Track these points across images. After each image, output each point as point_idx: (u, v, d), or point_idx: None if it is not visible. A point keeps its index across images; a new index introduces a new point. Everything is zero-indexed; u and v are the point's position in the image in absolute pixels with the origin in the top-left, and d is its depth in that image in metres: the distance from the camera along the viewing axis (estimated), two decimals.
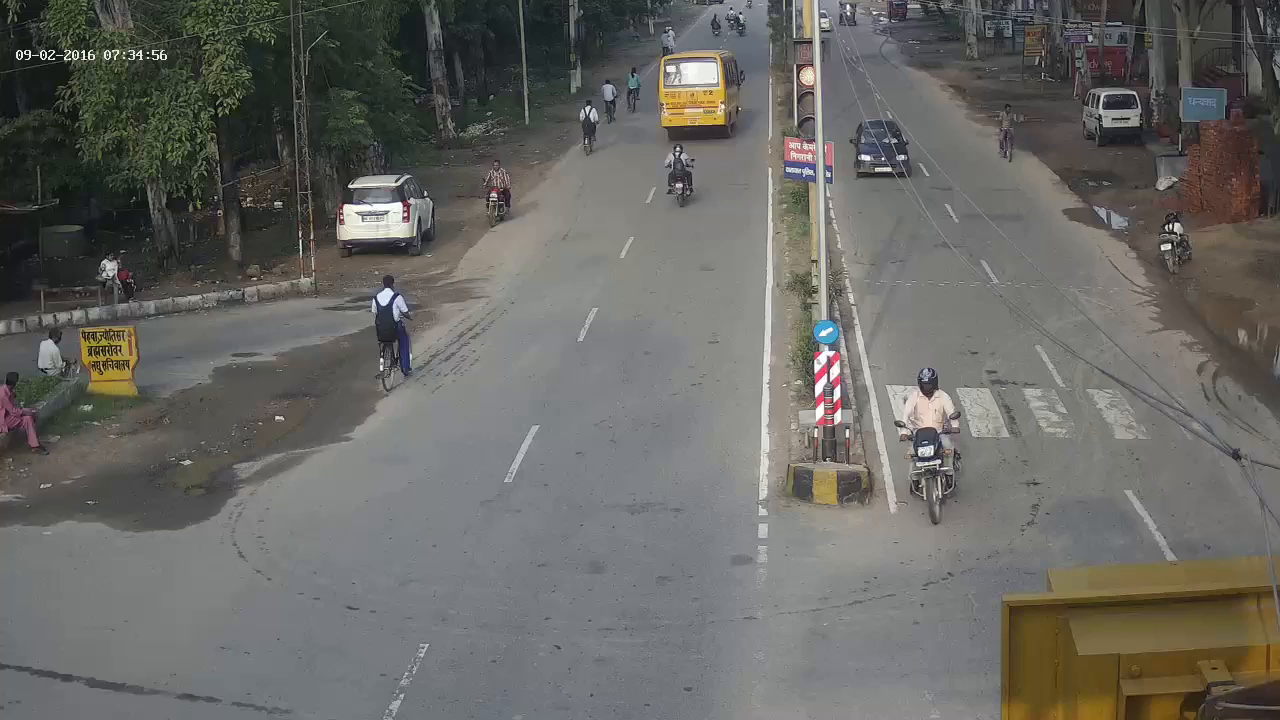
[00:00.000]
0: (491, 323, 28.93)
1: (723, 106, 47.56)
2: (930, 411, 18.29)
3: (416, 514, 19.03)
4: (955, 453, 18.45)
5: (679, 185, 38.75)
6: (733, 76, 49.95)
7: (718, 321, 27.94)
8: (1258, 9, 40.60)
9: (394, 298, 24.52)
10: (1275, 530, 6.59)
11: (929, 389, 18.52)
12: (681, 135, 44.54)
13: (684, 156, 38.88)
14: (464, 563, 17.42)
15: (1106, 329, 24.47)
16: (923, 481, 18.06)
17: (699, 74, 47.83)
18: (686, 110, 47.21)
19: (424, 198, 37.11)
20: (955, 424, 18.44)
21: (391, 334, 24.56)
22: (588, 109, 48.95)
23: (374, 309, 24.70)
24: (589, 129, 48.14)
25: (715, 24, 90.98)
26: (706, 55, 50.51)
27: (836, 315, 24.97)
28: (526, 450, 21.16)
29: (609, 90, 54.86)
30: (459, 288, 32.34)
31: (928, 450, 17.78)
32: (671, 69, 48.69)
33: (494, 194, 38.68)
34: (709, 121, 47.07)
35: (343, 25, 37.06)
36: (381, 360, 24.57)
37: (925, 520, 17.89)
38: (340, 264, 34.81)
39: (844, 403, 20.66)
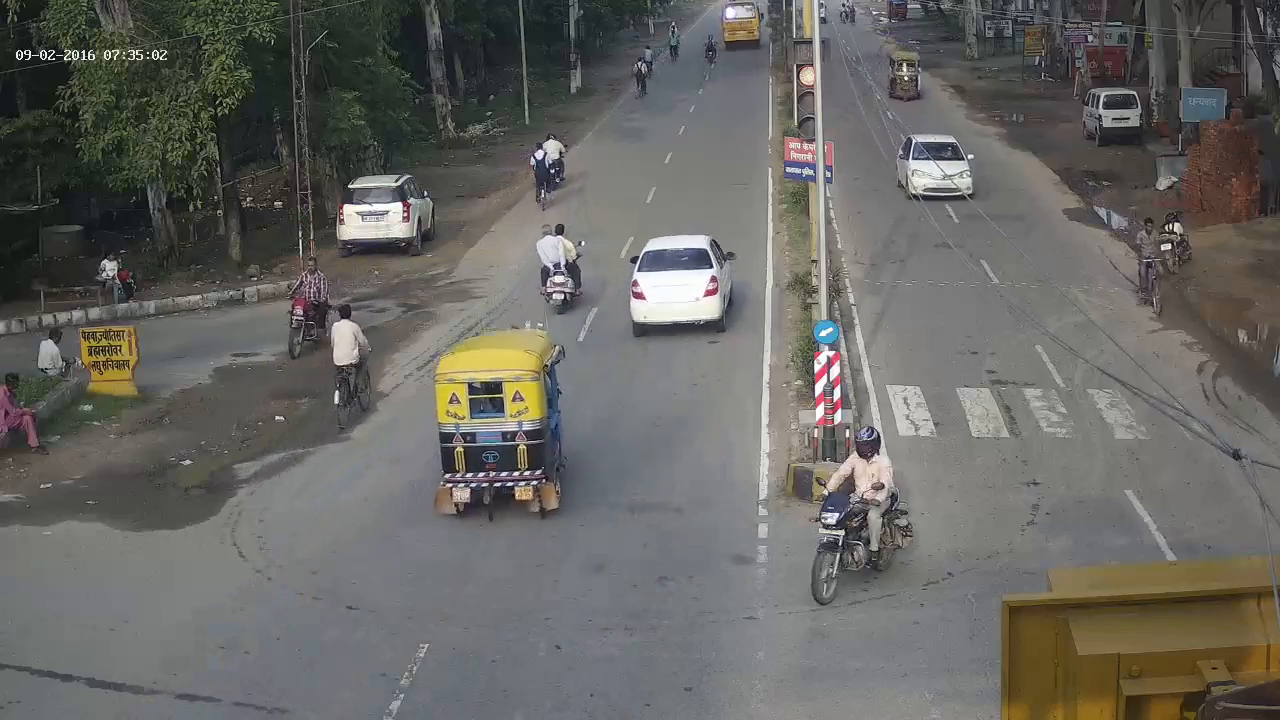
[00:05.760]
0: (492, 322, 28.90)
1: (756, 31, 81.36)
2: (865, 478, 16.23)
3: (416, 514, 19.02)
4: (901, 528, 16.56)
5: (711, 52, 73.65)
6: (759, 14, 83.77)
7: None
8: (1258, 9, 40.59)
9: (545, 154, 40.39)
10: (1275, 530, 6.60)
11: (867, 450, 16.32)
12: (733, 48, 77.78)
13: (714, 40, 76.50)
14: (464, 563, 17.42)
15: (1106, 329, 24.45)
16: (816, 553, 15.84)
17: (742, 13, 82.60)
18: (737, 33, 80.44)
19: (424, 198, 37.11)
20: (876, 495, 16.11)
21: (546, 177, 40.09)
22: (640, 64, 64.68)
23: (532, 161, 40.72)
24: (641, 79, 63.46)
25: None
26: (746, 3, 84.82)
27: (836, 315, 24.97)
28: None
29: (648, 54, 70.89)
30: (459, 288, 32.34)
31: (830, 518, 15.74)
32: (728, 12, 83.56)
33: (298, 309, 27.04)
34: (749, 38, 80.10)
35: (342, 25, 37.07)
36: (541, 191, 39.78)
37: (925, 520, 17.85)
38: (340, 264, 34.80)
39: (844, 403, 20.65)
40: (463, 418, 18.19)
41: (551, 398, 18.97)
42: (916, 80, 59.79)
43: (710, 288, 26.57)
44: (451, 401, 18.23)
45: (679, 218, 37.65)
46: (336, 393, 22.48)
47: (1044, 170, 43.15)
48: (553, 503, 18.59)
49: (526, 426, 18.13)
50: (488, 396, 18.39)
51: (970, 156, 39.11)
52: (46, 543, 18.50)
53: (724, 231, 35.80)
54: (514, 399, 18.16)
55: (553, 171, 41.34)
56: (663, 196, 39.87)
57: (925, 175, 36.94)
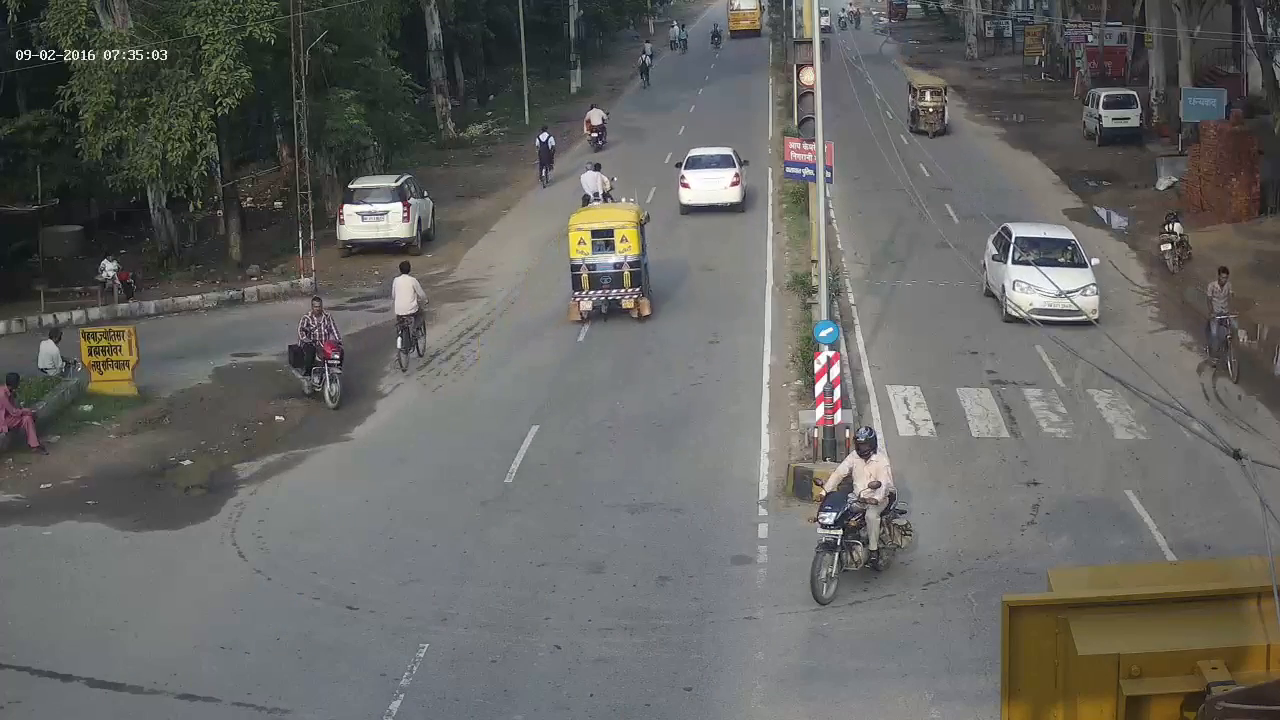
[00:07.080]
0: (491, 323, 28.93)
1: (758, 22, 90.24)
2: (864, 478, 16.32)
3: (416, 514, 19.04)
4: (900, 527, 16.61)
5: (717, 38, 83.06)
6: (760, 6, 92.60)
7: (718, 321, 27.94)
8: (1258, 9, 40.62)
9: (549, 137, 43.85)
10: (1275, 530, 6.60)
11: (865, 450, 16.50)
12: (737, 36, 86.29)
13: (720, 28, 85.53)
14: (464, 563, 17.42)
15: (1106, 329, 24.44)
16: (815, 553, 15.87)
17: (746, 5, 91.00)
18: (741, 22, 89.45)
19: (424, 198, 37.11)
20: (874, 494, 16.17)
21: (548, 159, 43.45)
22: (644, 58, 67.82)
23: (537, 144, 43.75)
24: (644, 70, 66.82)
25: None
26: None
27: (836, 315, 24.97)
28: (526, 450, 21.17)
29: (649, 48, 71.68)
30: (459, 288, 32.34)
31: (828, 518, 15.76)
32: (734, 5, 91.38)
33: (333, 354, 23.90)
34: (751, 27, 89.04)
35: (342, 25, 37.06)
36: (544, 171, 43.57)
37: (925, 520, 17.86)
38: (340, 264, 34.82)
39: (844, 403, 20.66)
40: (587, 254, 26.94)
41: (644, 245, 27.49)
42: (943, 111, 48.85)
43: (734, 180, 37.82)
44: (579, 243, 27.01)
45: (678, 219, 37.67)
46: (399, 339, 25.64)
47: (1044, 170, 43.14)
48: (646, 310, 27.54)
49: (629, 259, 27.10)
50: (603, 240, 26.97)
51: (1095, 261, 27.84)
52: (46, 543, 18.48)
53: (724, 231, 35.89)
54: (621, 240, 26.99)
55: (594, 136, 48.37)
56: (661, 197, 39.80)
57: (1033, 290, 26.10)
